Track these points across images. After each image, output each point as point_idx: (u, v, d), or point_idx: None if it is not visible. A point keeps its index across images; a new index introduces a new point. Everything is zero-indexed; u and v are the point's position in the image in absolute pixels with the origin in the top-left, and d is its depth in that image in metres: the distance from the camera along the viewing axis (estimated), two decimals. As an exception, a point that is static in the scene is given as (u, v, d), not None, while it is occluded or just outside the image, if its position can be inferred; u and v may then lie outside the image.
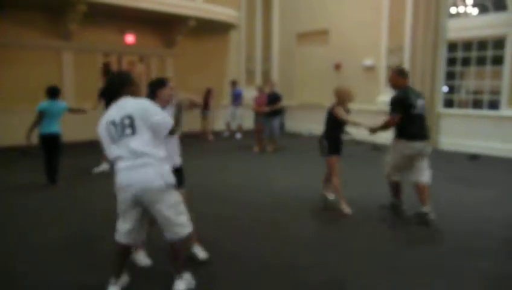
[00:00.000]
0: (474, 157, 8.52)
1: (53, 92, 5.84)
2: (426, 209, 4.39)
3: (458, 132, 9.54)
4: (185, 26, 11.43)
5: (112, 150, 2.74)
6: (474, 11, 9.50)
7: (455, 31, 9.59)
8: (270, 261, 3.51)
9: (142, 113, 2.72)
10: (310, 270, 3.34)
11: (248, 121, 11.30)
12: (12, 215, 4.75)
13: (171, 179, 2.78)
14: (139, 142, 2.69)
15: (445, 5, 9.48)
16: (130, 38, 11.25)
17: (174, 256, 2.89)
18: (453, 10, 9.72)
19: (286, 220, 4.63)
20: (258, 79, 14.27)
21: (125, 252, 2.88)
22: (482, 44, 9.44)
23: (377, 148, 9.54)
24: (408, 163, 4.50)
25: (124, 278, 2.98)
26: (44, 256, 3.57)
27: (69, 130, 7.06)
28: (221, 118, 12.41)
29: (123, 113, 2.71)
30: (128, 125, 2.69)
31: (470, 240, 4.02)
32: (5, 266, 3.38)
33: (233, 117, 11.77)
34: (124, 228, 2.80)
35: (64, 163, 6.40)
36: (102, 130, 2.77)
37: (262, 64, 14.33)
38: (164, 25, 11.60)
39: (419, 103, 4.42)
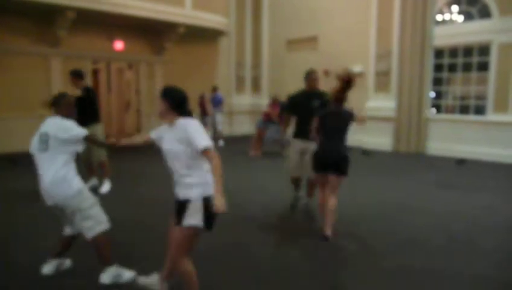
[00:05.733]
0: (461, 162, 8.63)
1: None
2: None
3: (446, 137, 9.66)
4: (174, 33, 11.43)
5: None
6: (460, 18, 9.68)
7: (441, 37, 9.76)
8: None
9: None
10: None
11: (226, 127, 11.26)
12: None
13: None
14: None
15: (431, 12, 9.65)
16: (119, 45, 11.21)
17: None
18: (439, 17, 9.88)
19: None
20: (248, 85, 14.31)
21: None
22: (468, 50, 9.61)
23: (367, 153, 9.61)
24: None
25: None
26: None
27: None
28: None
29: None
30: None
31: (469, 248, 3.98)
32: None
33: (214, 124, 11.45)
34: None
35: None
36: None
37: (252, 71, 14.38)
38: (153, 32, 11.59)
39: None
